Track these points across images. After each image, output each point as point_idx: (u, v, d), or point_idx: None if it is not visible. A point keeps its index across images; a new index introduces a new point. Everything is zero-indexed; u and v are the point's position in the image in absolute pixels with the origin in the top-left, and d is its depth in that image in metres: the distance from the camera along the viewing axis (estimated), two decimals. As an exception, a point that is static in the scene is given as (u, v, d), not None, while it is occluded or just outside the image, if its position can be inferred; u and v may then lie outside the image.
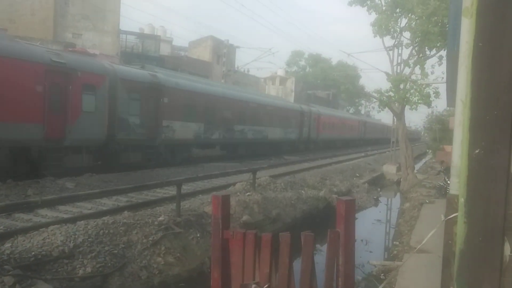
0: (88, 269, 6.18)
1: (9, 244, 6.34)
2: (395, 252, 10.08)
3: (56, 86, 13.55)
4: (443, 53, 18.49)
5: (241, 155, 25.60)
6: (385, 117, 60.69)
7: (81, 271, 6.09)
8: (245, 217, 10.07)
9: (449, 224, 3.06)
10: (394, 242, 11.21)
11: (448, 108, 29.25)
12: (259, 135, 27.63)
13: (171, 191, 11.56)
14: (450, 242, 3.04)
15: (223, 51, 43.11)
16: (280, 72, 57.75)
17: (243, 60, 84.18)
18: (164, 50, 44.93)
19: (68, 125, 13.96)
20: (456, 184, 2.99)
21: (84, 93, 14.55)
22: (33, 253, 6.07)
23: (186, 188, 12.12)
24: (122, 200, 10.86)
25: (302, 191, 14.19)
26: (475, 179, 2.71)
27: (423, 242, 3.39)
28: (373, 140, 58.26)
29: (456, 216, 2.91)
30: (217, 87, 25.29)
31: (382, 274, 8.42)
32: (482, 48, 2.70)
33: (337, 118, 44.69)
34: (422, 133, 52.65)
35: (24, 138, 12.77)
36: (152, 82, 17.82)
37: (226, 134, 23.74)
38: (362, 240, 11.49)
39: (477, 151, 2.70)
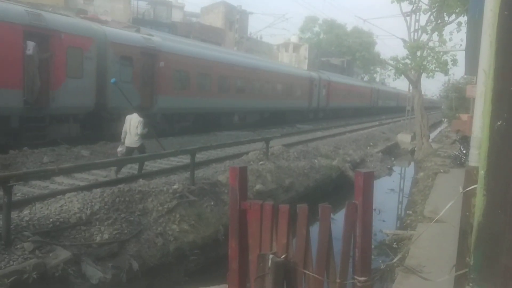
0: (105, 236, 6.30)
1: (28, 211, 6.47)
2: (408, 221, 10.09)
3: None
4: (462, 19, 17.96)
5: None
6: (401, 85, 59.66)
7: (98, 238, 6.22)
8: (258, 186, 10.13)
9: (467, 196, 3.02)
10: (407, 212, 11.21)
11: (465, 76, 28.64)
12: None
13: (185, 159, 11.64)
14: (467, 214, 3.01)
15: (235, 17, 42.46)
16: (294, 39, 56.61)
17: (256, 26, 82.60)
18: (176, 16, 44.32)
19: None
20: (476, 156, 2.93)
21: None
22: (51, 220, 6.19)
23: (199, 156, 12.18)
24: (136, 168, 10.98)
25: (315, 160, 14.16)
26: (496, 151, 2.65)
27: (441, 213, 3.37)
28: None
29: (475, 188, 2.87)
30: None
31: (394, 243, 8.47)
32: (508, 17, 2.59)
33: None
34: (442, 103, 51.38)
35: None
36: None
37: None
38: (375, 209, 11.48)
39: (499, 123, 2.63)
